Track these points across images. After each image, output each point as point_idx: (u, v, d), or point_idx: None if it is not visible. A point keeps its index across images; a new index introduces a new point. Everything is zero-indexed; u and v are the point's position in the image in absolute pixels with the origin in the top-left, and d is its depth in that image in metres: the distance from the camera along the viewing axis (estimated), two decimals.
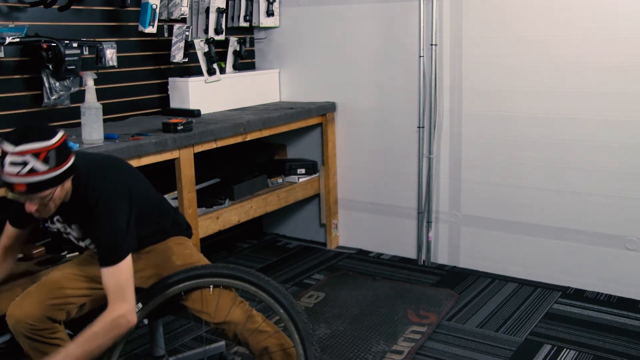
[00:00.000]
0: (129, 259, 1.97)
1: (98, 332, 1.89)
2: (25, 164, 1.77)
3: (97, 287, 2.10)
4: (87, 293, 2.15)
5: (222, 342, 2.63)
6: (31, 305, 2.04)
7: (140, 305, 2.05)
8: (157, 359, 2.44)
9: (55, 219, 2.11)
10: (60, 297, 2.09)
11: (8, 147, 1.79)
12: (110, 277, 1.93)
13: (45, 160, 1.80)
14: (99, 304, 2.13)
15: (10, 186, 1.82)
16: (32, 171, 1.78)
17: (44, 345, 2.07)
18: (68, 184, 1.92)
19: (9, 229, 2.15)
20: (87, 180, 1.97)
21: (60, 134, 1.86)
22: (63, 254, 2.67)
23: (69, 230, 2.11)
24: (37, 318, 2.04)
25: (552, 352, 2.72)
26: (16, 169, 1.78)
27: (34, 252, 2.60)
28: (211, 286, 2.07)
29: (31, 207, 1.86)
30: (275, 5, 3.99)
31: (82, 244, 2.15)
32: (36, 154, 1.79)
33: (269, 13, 3.97)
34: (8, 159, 1.78)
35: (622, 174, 3.13)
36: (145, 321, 2.92)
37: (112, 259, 1.93)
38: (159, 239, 2.25)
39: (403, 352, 2.73)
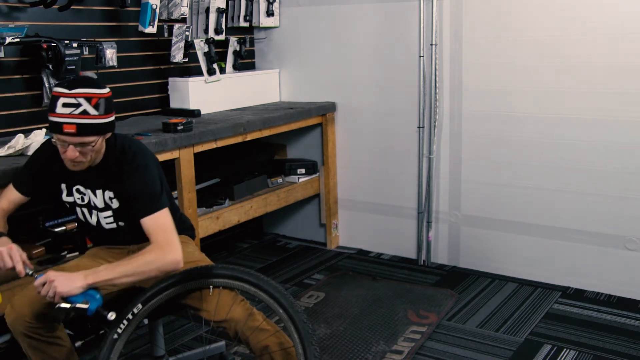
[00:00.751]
0: (167, 210, 2.03)
1: (144, 265, 1.92)
2: (78, 105, 1.89)
3: None
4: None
5: (222, 342, 2.63)
6: (30, 302, 2.03)
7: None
8: (157, 359, 2.44)
9: (74, 189, 2.12)
10: None
11: (62, 90, 1.91)
12: (155, 222, 1.98)
13: (96, 107, 1.92)
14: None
15: (58, 127, 1.90)
16: (84, 113, 1.90)
17: (43, 344, 2.06)
18: (103, 143, 2.01)
19: (13, 194, 2.15)
20: (123, 143, 2.09)
21: (108, 89, 1.98)
22: (63, 254, 2.67)
23: (90, 198, 2.12)
24: (36, 316, 2.02)
25: (552, 352, 2.72)
26: (69, 110, 1.89)
27: (34, 252, 2.60)
28: (211, 287, 2.07)
29: (73, 153, 1.93)
30: (275, 5, 3.99)
31: (94, 218, 2.15)
32: (89, 98, 1.91)
33: (269, 13, 3.97)
34: (61, 100, 1.89)
35: (622, 174, 3.13)
36: (145, 321, 2.91)
37: (154, 207, 2.00)
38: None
39: (403, 352, 2.73)
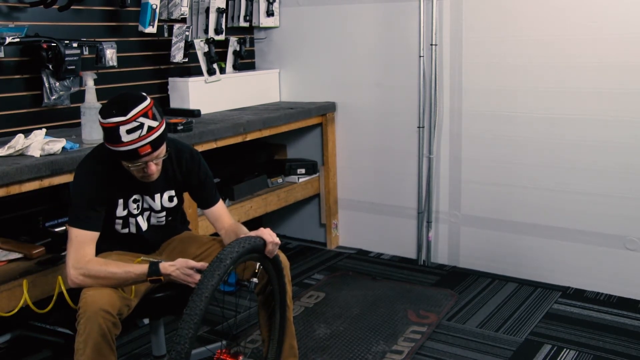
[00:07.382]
0: None
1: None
2: (142, 125, 1.88)
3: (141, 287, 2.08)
4: (136, 290, 2.06)
5: (223, 343, 2.63)
6: (109, 294, 1.90)
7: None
8: (157, 358, 2.45)
9: (130, 200, 2.11)
10: (123, 293, 1.99)
11: (118, 118, 1.87)
12: (224, 206, 2.26)
13: (154, 117, 1.92)
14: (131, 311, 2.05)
15: (134, 154, 1.89)
16: (150, 129, 1.90)
17: (109, 350, 1.91)
18: None
19: (85, 235, 1.98)
20: (170, 143, 2.08)
21: (144, 94, 1.98)
22: (63, 254, 2.67)
23: (147, 204, 2.14)
24: (116, 309, 1.90)
25: (552, 352, 2.72)
26: (136, 134, 1.88)
27: (34, 252, 2.59)
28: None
29: (153, 168, 1.98)
30: (275, 5, 3.99)
31: (145, 222, 2.16)
32: (145, 113, 1.90)
33: (269, 13, 3.96)
34: (123, 129, 1.87)
35: (622, 174, 3.13)
36: (146, 321, 2.92)
37: (218, 194, 2.24)
38: (179, 230, 2.36)
39: (403, 352, 2.73)
